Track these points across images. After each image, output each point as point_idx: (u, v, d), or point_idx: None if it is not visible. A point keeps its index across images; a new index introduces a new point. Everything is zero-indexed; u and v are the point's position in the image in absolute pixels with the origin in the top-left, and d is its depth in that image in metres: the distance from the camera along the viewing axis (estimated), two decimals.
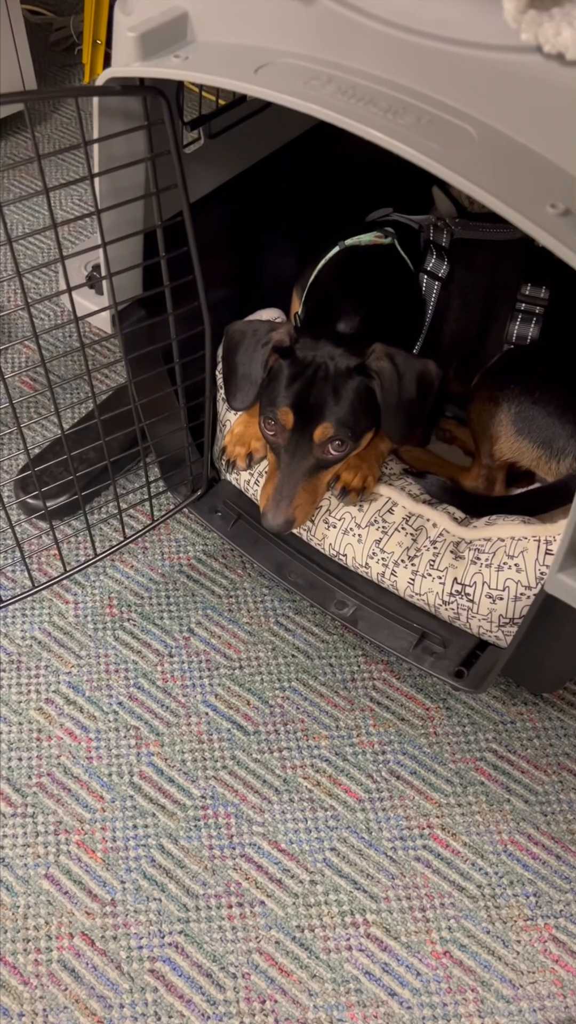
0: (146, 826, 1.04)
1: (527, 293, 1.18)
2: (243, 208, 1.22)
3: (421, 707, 1.14)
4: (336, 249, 1.18)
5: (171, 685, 1.15)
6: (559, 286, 1.18)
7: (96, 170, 0.83)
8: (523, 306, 1.18)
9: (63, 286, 0.89)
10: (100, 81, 0.77)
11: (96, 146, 0.81)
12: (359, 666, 1.18)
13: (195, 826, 1.04)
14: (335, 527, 1.09)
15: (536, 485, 1.19)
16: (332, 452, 1.02)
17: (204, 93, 1.21)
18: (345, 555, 1.10)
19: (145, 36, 0.74)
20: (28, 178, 1.87)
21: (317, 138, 1.27)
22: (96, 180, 0.83)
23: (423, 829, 1.04)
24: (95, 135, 0.80)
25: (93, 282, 0.99)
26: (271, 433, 1.03)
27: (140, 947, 0.95)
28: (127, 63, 0.75)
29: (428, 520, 1.08)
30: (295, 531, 1.12)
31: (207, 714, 1.12)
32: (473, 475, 1.18)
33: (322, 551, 1.13)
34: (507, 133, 0.66)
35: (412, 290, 1.18)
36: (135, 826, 1.04)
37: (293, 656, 1.18)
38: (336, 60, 0.71)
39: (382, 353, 1.01)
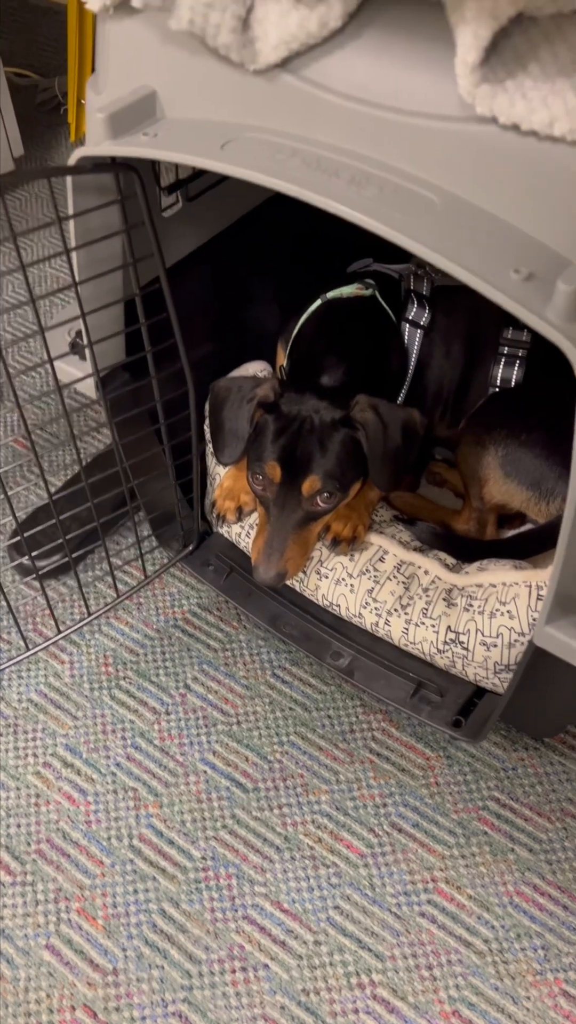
0: (147, 890, 1.02)
1: (509, 336, 1.19)
2: (225, 265, 1.23)
3: (421, 756, 1.13)
4: (318, 302, 1.19)
5: (168, 744, 1.14)
6: None
7: (73, 243, 0.84)
8: (506, 349, 1.19)
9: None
10: (72, 160, 0.78)
11: (72, 224, 0.83)
12: (357, 716, 1.17)
13: (196, 889, 1.02)
14: (327, 577, 1.09)
15: (527, 526, 1.19)
16: (321, 504, 1.02)
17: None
18: (339, 605, 1.10)
19: (114, 116, 0.76)
20: (12, 251, 1.90)
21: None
22: (74, 254, 0.84)
23: (427, 883, 1.03)
24: (70, 211, 0.82)
25: (77, 348, 1.01)
26: (259, 487, 1.03)
27: (143, 1018, 0.94)
28: (98, 142, 0.77)
29: (420, 568, 1.08)
30: (288, 582, 1.11)
31: (205, 772, 1.12)
32: (464, 518, 1.18)
33: (316, 602, 1.12)
34: (469, 200, 0.67)
35: (394, 340, 1.19)
36: (135, 891, 1.02)
37: (291, 709, 1.18)
38: (300, 133, 0.72)
39: (366, 404, 1.01)
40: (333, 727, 1.16)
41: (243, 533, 1.16)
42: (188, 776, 1.11)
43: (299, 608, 1.14)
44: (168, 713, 1.17)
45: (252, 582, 1.15)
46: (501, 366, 1.20)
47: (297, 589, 1.13)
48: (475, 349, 1.21)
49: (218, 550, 1.20)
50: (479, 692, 1.06)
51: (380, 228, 0.64)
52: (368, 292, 1.19)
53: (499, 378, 1.20)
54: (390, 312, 1.19)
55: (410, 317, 1.20)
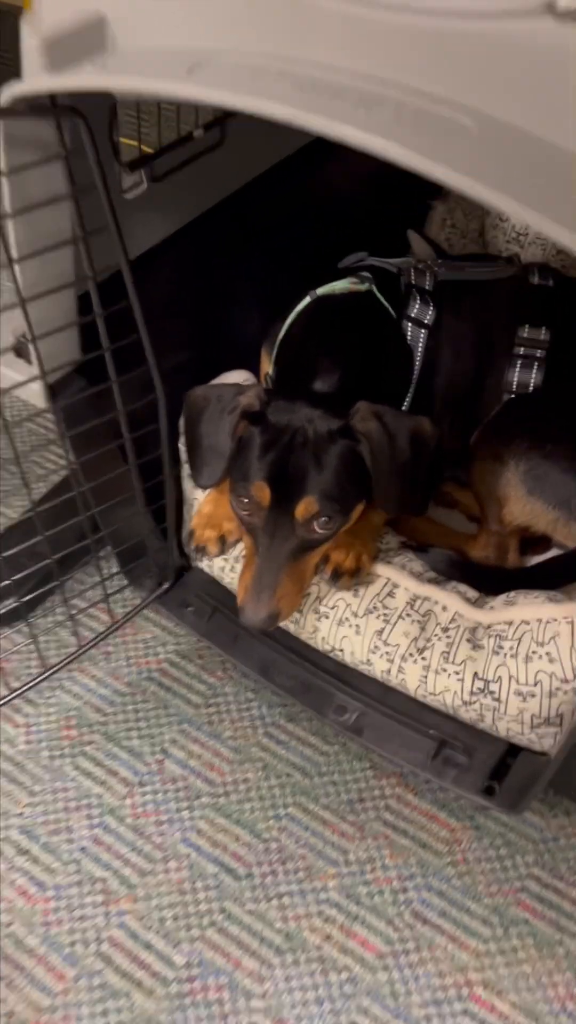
0: (119, 1010, 0.86)
1: (525, 335, 1.11)
2: (200, 259, 1.14)
3: (445, 828, 0.99)
4: (307, 300, 1.09)
5: (143, 822, 1.00)
6: (561, 325, 1.08)
7: (9, 210, 0.69)
8: (522, 350, 1.11)
9: None
10: (2, 102, 0.62)
11: (5, 184, 0.67)
12: (367, 782, 1.04)
13: (179, 1006, 0.86)
14: (328, 617, 0.97)
15: (554, 551, 1.07)
16: (318, 530, 0.91)
17: (143, 146, 1.09)
18: (342, 650, 0.98)
19: (53, 44, 0.61)
20: None
21: (279, 177, 1.17)
22: (8, 224, 0.69)
23: (461, 988, 0.87)
24: (2, 169, 0.66)
25: (22, 350, 0.85)
26: (245, 512, 0.92)
27: None
28: (33, 76, 0.61)
29: (437, 603, 0.97)
30: (281, 624, 0.98)
31: (188, 856, 0.97)
32: (481, 544, 1.07)
33: (315, 646, 1.01)
34: (515, 123, 0.52)
35: (396, 340, 1.09)
36: (105, 1011, 0.86)
37: (288, 775, 1.04)
38: (289, 53, 0.57)
39: (368, 412, 0.91)
40: (339, 796, 1.03)
41: (227, 567, 1.04)
42: (168, 862, 0.97)
43: (295, 654, 1.02)
44: (143, 784, 1.03)
45: (239, 625, 1.02)
46: (517, 369, 1.11)
47: (292, 632, 1.02)
48: (487, 350, 1.13)
49: (198, 588, 1.09)
50: (512, 750, 0.92)
51: (402, 154, 0.48)
52: (364, 287, 1.07)
53: (515, 382, 1.10)
54: (390, 309, 1.06)
55: (412, 314, 1.10)
